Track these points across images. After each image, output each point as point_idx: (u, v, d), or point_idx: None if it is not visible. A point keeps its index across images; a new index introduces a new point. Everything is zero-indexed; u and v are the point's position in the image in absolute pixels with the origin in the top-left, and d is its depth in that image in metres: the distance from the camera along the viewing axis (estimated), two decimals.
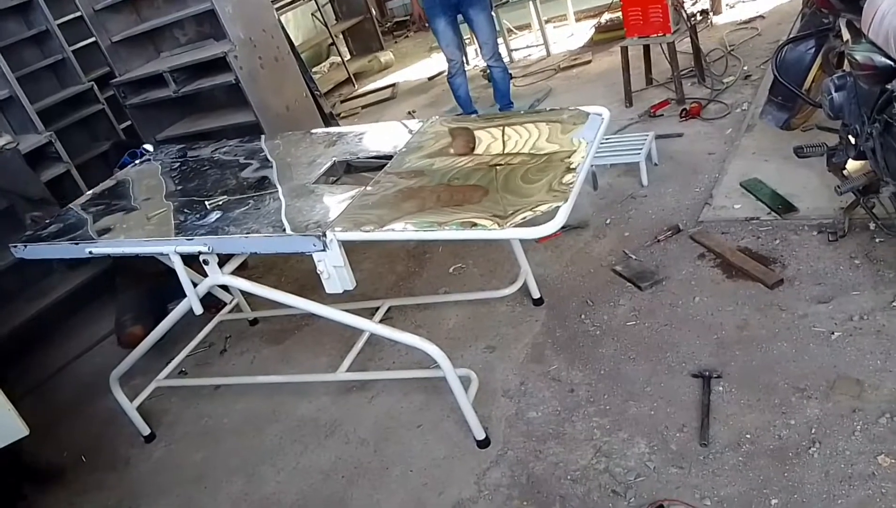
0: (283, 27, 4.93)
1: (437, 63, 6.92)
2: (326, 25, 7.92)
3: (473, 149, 2.58)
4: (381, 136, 2.96)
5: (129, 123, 4.76)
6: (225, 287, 3.26)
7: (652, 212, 3.41)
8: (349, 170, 2.72)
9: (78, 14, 4.44)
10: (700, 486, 2.04)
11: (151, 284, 3.53)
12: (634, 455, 2.20)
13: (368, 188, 2.38)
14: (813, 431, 2.08)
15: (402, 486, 2.38)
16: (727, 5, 5.81)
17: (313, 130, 3.29)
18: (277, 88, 4.36)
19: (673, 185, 3.56)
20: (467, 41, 6.12)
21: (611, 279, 3.03)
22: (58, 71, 4.81)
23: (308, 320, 3.40)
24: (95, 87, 4.76)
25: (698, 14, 5.04)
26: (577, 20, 6.79)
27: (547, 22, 6.57)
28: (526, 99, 5.28)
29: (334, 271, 2.21)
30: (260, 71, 4.22)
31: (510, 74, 5.13)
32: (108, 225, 2.74)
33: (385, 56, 7.89)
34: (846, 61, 2.42)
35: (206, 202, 2.63)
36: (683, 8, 4.34)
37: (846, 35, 2.53)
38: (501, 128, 2.66)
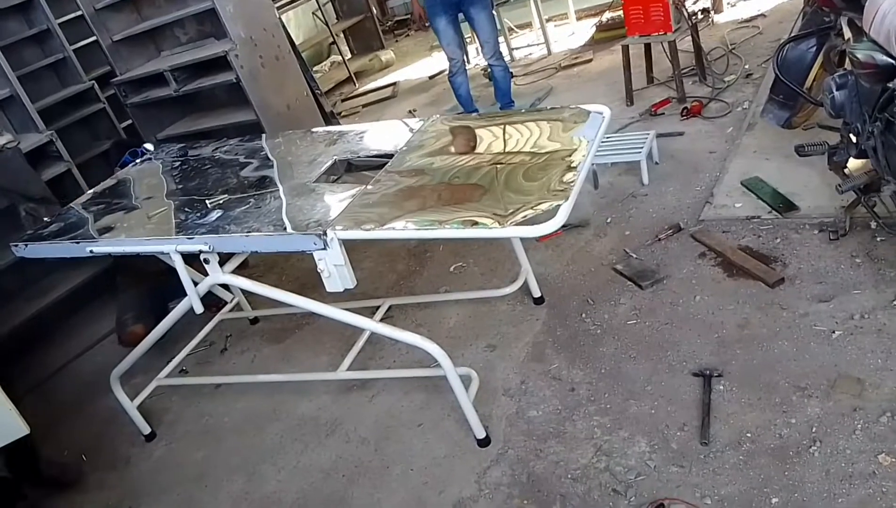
0: (283, 26, 4.93)
1: (437, 62, 6.92)
2: (327, 24, 7.93)
3: (474, 148, 2.58)
4: (381, 135, 2.96)
5: (129, 122, 4.77)
6: (226, 286, 3.26)
7: (653, 211, 3.41)
8: (350, 169, 2.72)
9: (79, 13, 4.45)
10: (701, 485, 2.04)
11: (152, 283, 3.53)
12: (635, 454, 2.20)
13: (369, 187, 2.38)
14: (814, 430, 2.08)
15: (403, 485, 2.38)
16: (728, 4, 5.80)
17: (314, 129, 3.29)
18: (278, 86, 4.36)
19: (674, 183, 3.56)
20: (468, 40, 6.12)
21: (611, 278, 3.03)
22: (59, 70, 4.81)
23: (309, 318, 3.40)
24: (96, 86, 4.76)
25: (699, 12, 5.05)
26: (578, 19, 6.79)
27: (548, 21, 6.56)
28: (527, 98, 5.28)
29: (335, 269, 2.21)
30: (261, 70, 4.22)
31: (511, 73, 5.13)
32: (108, 224, 2.74)
33: (386, 55, 7.89)
34: (847, 60, 2.42)
35: (207, 201, 2.63)
36: (684, 6, 4.34)
37: (847, 34, 2.53)
38: (502, 126, 2.66)
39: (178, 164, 3.20)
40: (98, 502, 2.79)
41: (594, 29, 6.16)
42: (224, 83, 4.16)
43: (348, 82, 7.56)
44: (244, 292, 3.42)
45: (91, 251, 2.58)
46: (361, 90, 7.25)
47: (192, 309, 2.58)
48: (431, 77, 6.78)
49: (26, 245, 2.74)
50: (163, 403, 3.20)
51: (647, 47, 4.60)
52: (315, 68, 7.87)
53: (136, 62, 4.56)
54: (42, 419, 2.88)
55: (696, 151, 3.79)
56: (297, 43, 6.19)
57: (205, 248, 2.36)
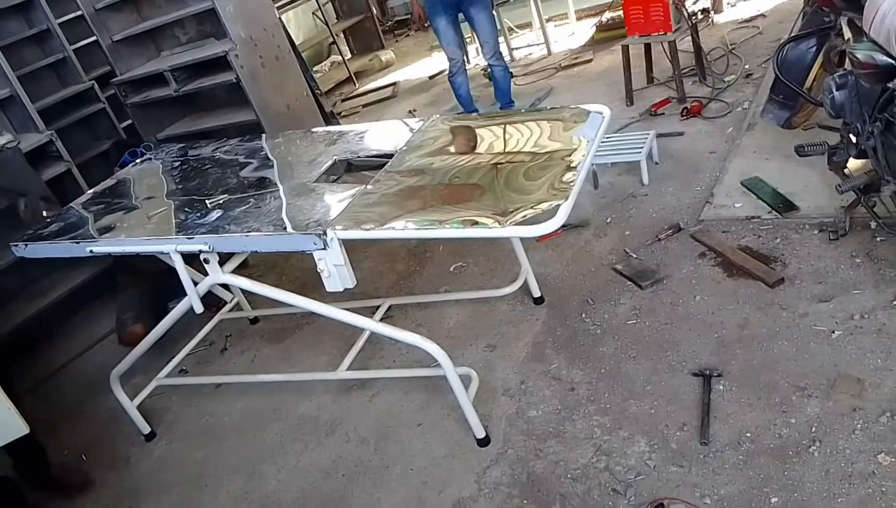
0: (283, 26, 4.93)
1: (437, 62, 6.92)
2: (327, 24, 7.93)
3: (474, 147, 2.58)
4: (381, 134, 2.96)
5: (129, 122, 4.77)
6: (225, 286, 3.26)
7: (653, 211, 3.41)
8: (350, 169, 2.72)
9: (79, 13, 4.45)
10: (700, 485, 2.04)
11: (152, 283, 3.53)
12: (635, 454, 2.20)
13: (369, 187, 2.38)
14: (813, 430, 2.08)
15: (403, 484, 2.38)
16: (728, 4, 5.80)
17: (314, 129, 3.29)
18: (278, 86, 4.36)
19: (674, 183, 3.56)
20: (468, 40, 6.12)
21: (611, 278, 3.03)
22: (59, 70, 4.81)
23: (308, 318, 3.40)
24: (96, 86, 4.77)
25: (699, 13, 5.05)
26: (578, 19, 6.79)
27: (548, 21, 6.57)
28: (527, 98, 5.28)
29: (335, 269, 2.22)
30: (261, 70, 4.22)
31: (511, 73, 5.13)
32: (108, 224, 2.74)
33: (386, 55, 7.89)
34: (847, 60, 2.42)
35: (207, 201, 2.63)
36: (684, 6, 4.34)
37: (847, 34, 2.53)
38: (502, 126, 2.66)
39: (178, 164, 3.21)
40: (98, 501, 2.79)
41: (594, 29, 6.17)
42: (224, 83, 4.16)
43: (348, 82, 7.56)
44: (244, 291, 3.42)
45: (91, 251, 2.58)
46: (361, 90, 7.25)
47: (191, 309, 2.58)
48: (431, 77, 6.78)
49: (26, 245, 2.74)
50: (163, 403, 3.20)
51: (647, 47, 4.60)
52: (315, 68, 7.87)
53: (136, 62, 4.56)
54: (42, 419, 2.88)
55: (696, 152, 3.79)
56: (297, 43, 6.19)
57: (205, 248, 2.36)
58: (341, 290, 2.26)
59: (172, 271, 2.50)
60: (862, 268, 2.60)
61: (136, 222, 2.71)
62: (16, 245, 2.76)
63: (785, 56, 2.91)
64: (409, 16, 8.74)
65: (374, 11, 8.35)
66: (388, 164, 2.52)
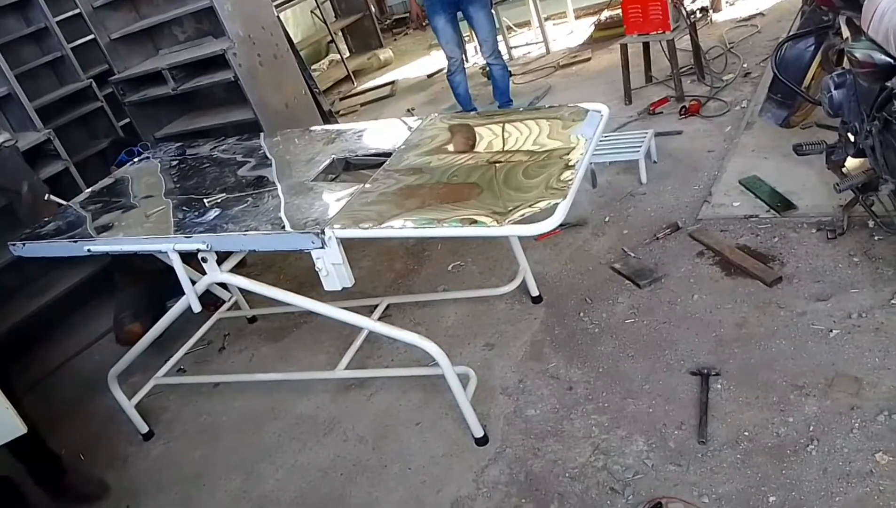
0: (282, 24, 4.92)
1: (436, 60, 6.91)
2: (325, 23, 7.92)
3: (472, 146, 2.58)
4: (380, 133, 2.96)
5: (127, 120, 4.76)
6: (223, 285, 3.26)
7: (651, 210, 3.41)
8: (348, 167, 2.72)
9: (77, 11, 4.44)
10: (698, 484, 2.04)
11: (150, 281, 3.52)
12: (633, 453, 2.20)
13: (367, 186, 2.38)
14: (811, 428, 2.08)
15: (401, 484, 2.38)
16: (727, 3, 5.80)
17: (312, 128, 3.28)
18: (276, 85, 4.35)
19: (672, 182, 3.56)
20: (467, 39, 6.11)
21: (609, 277, 3.03)
22: (56, 68, 4.80)
23: (307, 317, 3.40)
24: (94, 84, 4.75)
25: (698, 11, 5.02)
26: (577, 18, 6.79)
27: (546, 19, 6.57)
28: (525, 96, 5.28)
29: (333, 268, 2.21)
30: (259, 68, 4.21)
31: (510, 72, 5.13)
32: (106, 223, 2.74)
33: (384, 53, 7.89)
34: (846, 59, 2.42)
35: (205, 200, 2.63)
36: (683, 5, 4.33)
37: (846, 32, 2.53)
38: (501, 125, 2.65)
39: (176, 162, 3.20)
40: (97, 501, 2.78)
41: (593, 28, 6.16)
42: (222, 82, 4.16)
43: (346, 81, 7.55)
44: (242, 290, 3.41)
45: (89, 250, 2.58)
46: (360, 89, 7.25)
47: (189, 308, 2.57)
48: (430, 76, 6.78)
49: (24, 244, 2.74)
50: (161, 402, 3.20)
51: (646, 46, 4.60)
52: (313, 67, 7.87)
53: (134, 60, 4.55)
54: (40, 418, 2.86)
55: (694, 150, 3.79)
56: (295, 41, 6.19)
57: (203, 247, 2.36)
58: (339, 289, 2.25)
59: (170, 270, 2.50)
60: (860, 267, 2.60)
61: (134, 220, 2.71)
62: (14, 244, 2.76)
63: (783, 55, 2.91)
64: (407, 14, 8.74)
65: (373, 10, 8.35)
66: (387, 162, 2.52)
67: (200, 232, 2.40)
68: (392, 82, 6.99)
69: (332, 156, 2.73)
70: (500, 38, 5.67)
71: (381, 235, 2.17)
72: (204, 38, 4.48)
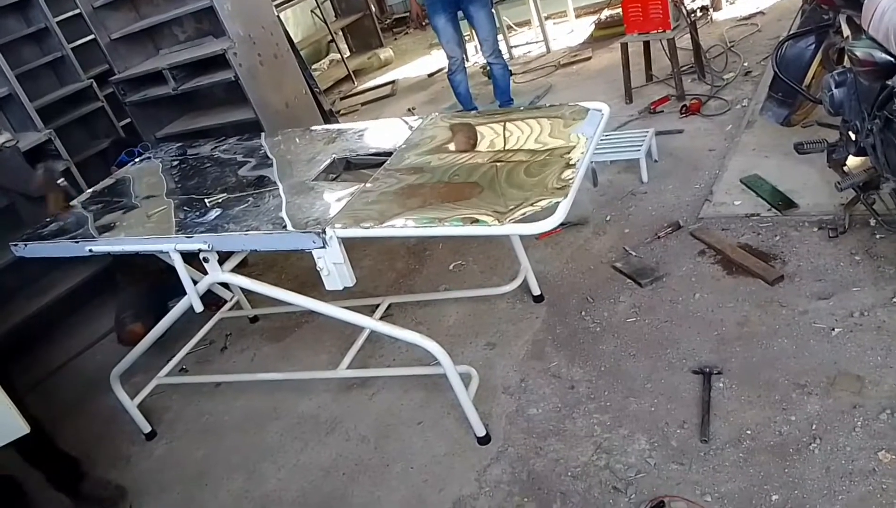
0: (282, 24, 4.92)
1: (436, 60, 6.91)
2: (326, 22, 7.92)
3: (473, 145, 2.58)
4: (380, 133, 2.96)
5: (128, 120, 4.76)
6: (225, 285, 3.26)
7: (652, 208, 3.41)
8: (349, 167, 2.72)
9: (77, 11, 4.44)
10: (701, 482, 2.04)
11: (152, 281, 3.52)
12: (635, 452, 2.20)
13: (368, 185, 2.38)
14: (813, 427, 2.08)
15: (403, 483, 2.38)
16: (727, 1, 5.80)
17: (313, 127, 3.29)
18: (277, 85, 4.35)
19: (673, 181, 3.56)
20: (467, 38, 6.11)
21: (611, 276, 3.03)
22: (57, 69, 4.80)
23: (308, 317, 3.40)
24: (95, 84, 4.75)
25: (698, 10, 5.04)
26: (577, 17, 6.78)
27: (547, 18, 6.57)
28: (526, 96, 5.28)
29: (334, 268, 2.21)
30: (259, 68, 4.21)
31: (510, 71, 5.13)
32: (108, 223, 2.74)
33: (385, 53, 7.89)
34: (846, 58, 2.42)
35: (206, 200, 2.63)
36: (683, 4, 4.33)
37: (846, 31, 2.53)
38: (501, 124, 2.65)
39: (177, 163, 3.20)
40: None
41: (593, 27, 6.16)
42: (222, 81, 4.16)
43: (347, 80, 7.55)
44: (244, 290, 3.42)
45: (90, 250, 2.58)
46: (360, 88, 7.25)
47: (191, 308, 2.57)
48: (430, 75, 6.78)
49: (25, 244, 2.74)
50: (163, 401, 3.20)
51: (647, 45, 4.60)
52: (314, 66, 7.87)
53: (135, 60, 4.55)
54: (42, 418, 2.86)
55: (695, 149, 3.79)
56: (295, 41, 6.18)
57: (204, 247, 2.36)
58: (341, 288, 2.25)
59: (172, 270, 2.50)
60: (861, 265, 2.60)
61: (136, 221, 2.71)
62: (15, 245, 2.76)
63: (784, 54, 2.91)
64: (407, 14, 8.73)
65: (373, 9, 8.35)
66: (388, 162, 2.52)
67: (202, 232, 2.40)
68: (392, 82, 6.99)
69: (333, 155, 2.73)
70: (500, 37, 5.67)
71: (382, 234, 2.17)
72: (204, 38, 4.48)
